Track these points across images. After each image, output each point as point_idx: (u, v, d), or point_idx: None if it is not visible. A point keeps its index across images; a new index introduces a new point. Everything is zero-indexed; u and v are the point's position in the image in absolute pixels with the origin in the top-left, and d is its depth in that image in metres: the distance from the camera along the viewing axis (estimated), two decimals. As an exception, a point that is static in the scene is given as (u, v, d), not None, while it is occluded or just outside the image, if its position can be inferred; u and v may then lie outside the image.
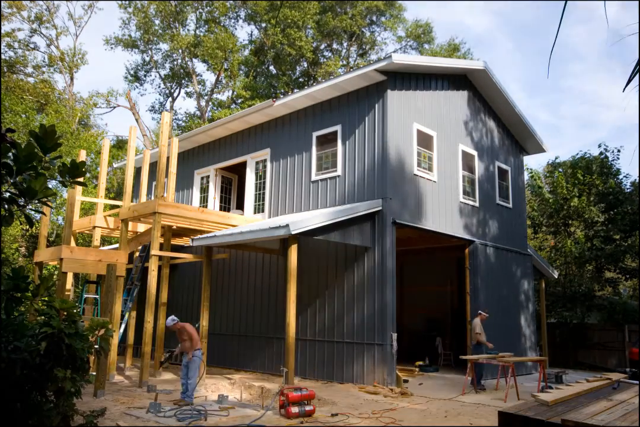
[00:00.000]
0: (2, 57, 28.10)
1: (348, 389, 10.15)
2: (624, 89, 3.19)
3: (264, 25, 32.16)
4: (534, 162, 67.64)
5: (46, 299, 3.42)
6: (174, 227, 13.10)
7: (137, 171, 16.78)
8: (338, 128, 12.31)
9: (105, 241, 20.78)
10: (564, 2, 3.10)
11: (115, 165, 20.12)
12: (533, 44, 76.55)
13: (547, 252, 21.04)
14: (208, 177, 15.97)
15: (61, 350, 3.29)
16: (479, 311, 11.90)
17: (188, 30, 32.97)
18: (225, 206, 16.05)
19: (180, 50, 32.04)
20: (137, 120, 33.60)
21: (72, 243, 12.75)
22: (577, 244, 18.91)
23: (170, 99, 35.29)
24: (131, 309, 13.18)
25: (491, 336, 13.10)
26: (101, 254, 11.11)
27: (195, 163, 16.41)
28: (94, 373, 8.70)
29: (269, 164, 13.86)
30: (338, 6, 30.73)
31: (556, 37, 3.09)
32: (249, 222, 12.66)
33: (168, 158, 11.96)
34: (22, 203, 2.78)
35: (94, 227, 13.00)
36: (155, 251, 10.83)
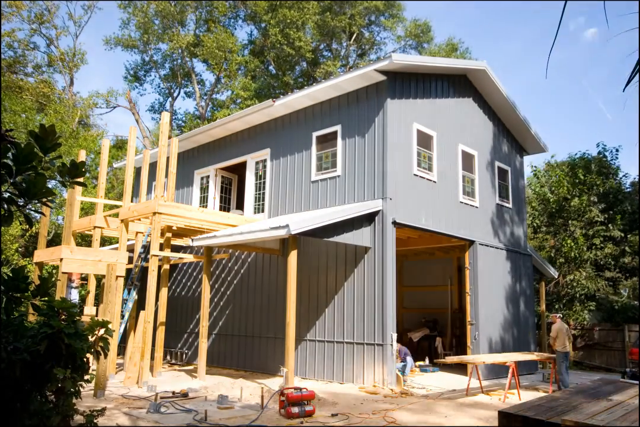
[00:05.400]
0: (2, 57, 28.08)
1: (348, 389, 10.15)
2: (624, 89, 3.19)
3: (263, 25, 32.16)
4: (534, 163, 67.65)
5: (46, 299, 3.42)
6: (174, 227, 13.10)
7: (137, 171, 16.78)
8: (338, 128, 12.30)
9: (105, 241, 20.76)
10: (563, 2, 3.10)
11: (115, 165, 20.11)
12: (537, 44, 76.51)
13: (547, 252, 21.03)
14: (208, 177, 15.96)
15: (61, 350, 3.28)
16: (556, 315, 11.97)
17: (188, 30, 32.98)
18: (225, 206, 16.05)
19: (179, 50, 32.04)
20: (137, 120, 33.60)
21: (72, 243, 12.74)
22: (577, 243, 18.91)
23: (170, 99, 35.31)
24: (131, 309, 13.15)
25: (492, 336, 13.12)
26: (101, 254, 11.10)
27: (195, 163, 16.40)
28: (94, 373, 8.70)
29: (268, 164, 13.86)
30: (337, 6, 30.71)
31: (555, 37, 3.09)
32: (249, 222, 12.66)
33: (168, 158, 11.96)
34: (21, 203, 2.77)
35: (94, 227, 13.00)
36: (155, 251, 10.83)
